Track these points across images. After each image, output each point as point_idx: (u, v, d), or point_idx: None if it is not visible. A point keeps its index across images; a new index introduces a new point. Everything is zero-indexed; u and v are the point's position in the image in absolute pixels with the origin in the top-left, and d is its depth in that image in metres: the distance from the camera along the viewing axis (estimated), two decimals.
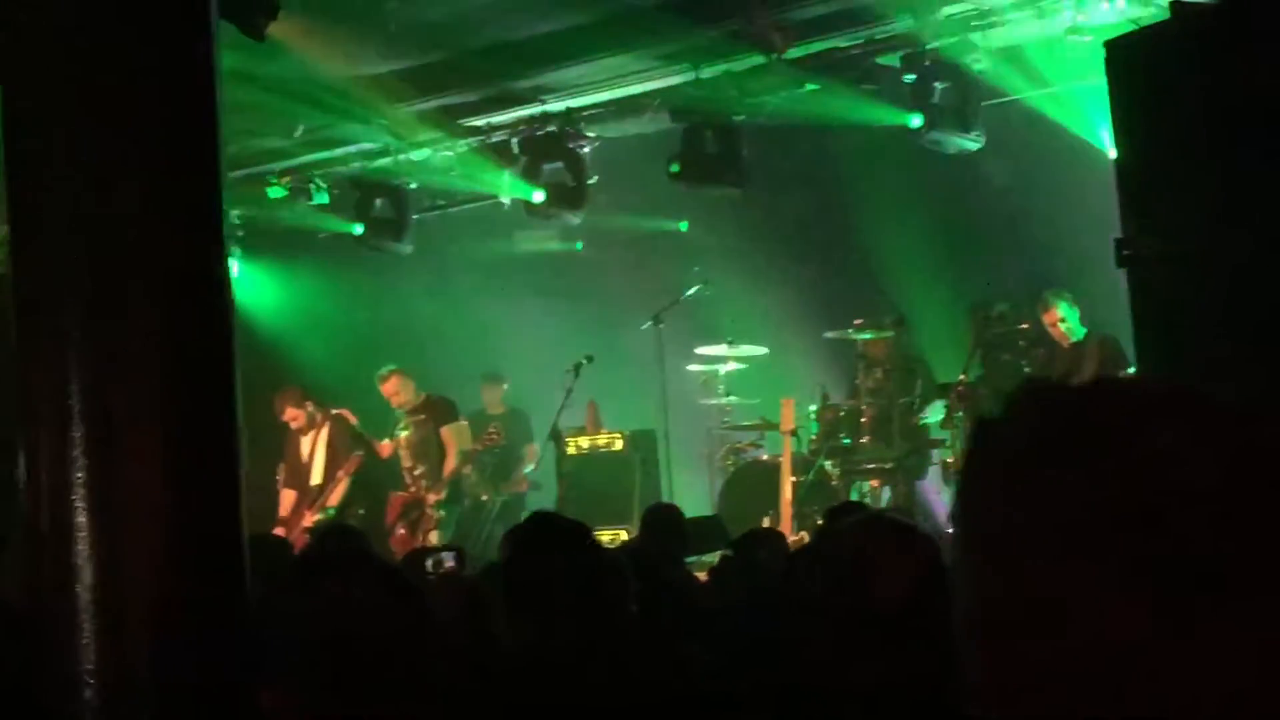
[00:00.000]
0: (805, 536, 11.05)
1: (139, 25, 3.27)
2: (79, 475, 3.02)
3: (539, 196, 12.97)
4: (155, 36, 3.31)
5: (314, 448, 12.88)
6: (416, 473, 12.88)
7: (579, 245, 14.75)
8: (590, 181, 13.06)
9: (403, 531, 12.58)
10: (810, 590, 3.17)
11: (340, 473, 12.71)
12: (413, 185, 13.78)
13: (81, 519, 3.01)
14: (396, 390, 13.23)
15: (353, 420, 13.13)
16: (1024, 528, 1.13)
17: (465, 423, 13.39)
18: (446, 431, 13.10)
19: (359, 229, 13.83)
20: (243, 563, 3.23)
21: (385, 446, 13.25)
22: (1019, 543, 1.13)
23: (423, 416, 13.08)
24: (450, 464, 12.98)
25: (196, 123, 3.28)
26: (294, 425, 12.95)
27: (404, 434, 13.06)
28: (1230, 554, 1.07)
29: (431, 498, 12.75)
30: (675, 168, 12.15)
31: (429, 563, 7.79)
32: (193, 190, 3.28)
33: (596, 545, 4.13)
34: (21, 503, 3.12)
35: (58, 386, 3.07)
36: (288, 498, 12.88)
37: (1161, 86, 7.31)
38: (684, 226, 14.26)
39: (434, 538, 12.18)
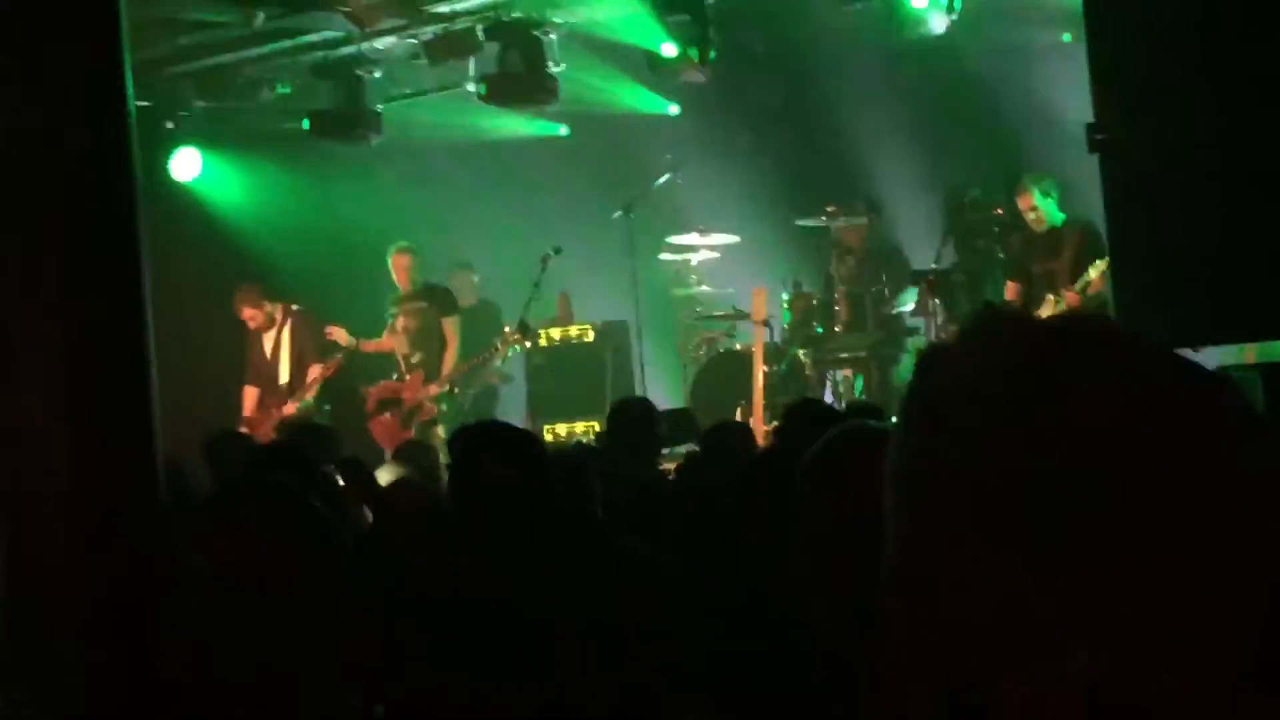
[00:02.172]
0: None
1: None
2: None
3: (486, 87, 12.71)
4: None
5: (277, 345, 12.69)
6: (414, 360, 12.60)
7: (558, 129, 14.52)
8: (556, 70, 12.82)
9: (389, 419, 12.38)
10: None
11: (317, 370, 12.49)
12: (377, 74, 13.52)
13: None
14: (408, 267, 12.86)
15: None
16: (936, 475, 1.06)
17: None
18: (449, 323, 12.81)
19: (307, 123, 13.53)
20: (154, 481, 3.11)
21: (384, 342, 12.99)
22: (931, 490, 1.07)
23: (424, 304, 12.78)
24: (451, 357, 12.72)
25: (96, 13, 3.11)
26: (252, 325, 12.74)
27: (401, 319, 12.79)
28: (1121, 524, 1.00)
29: (433, 389, 12.50)
30: (683, 50, 11.84)
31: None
32: (94, 87, 3.11)
33: (543, 453, 4.00)
34: None
35: None
36: (250, 395, 12.71)
37: None
38: (674, 111, 13.98)
39: (440, 432, 11.97)
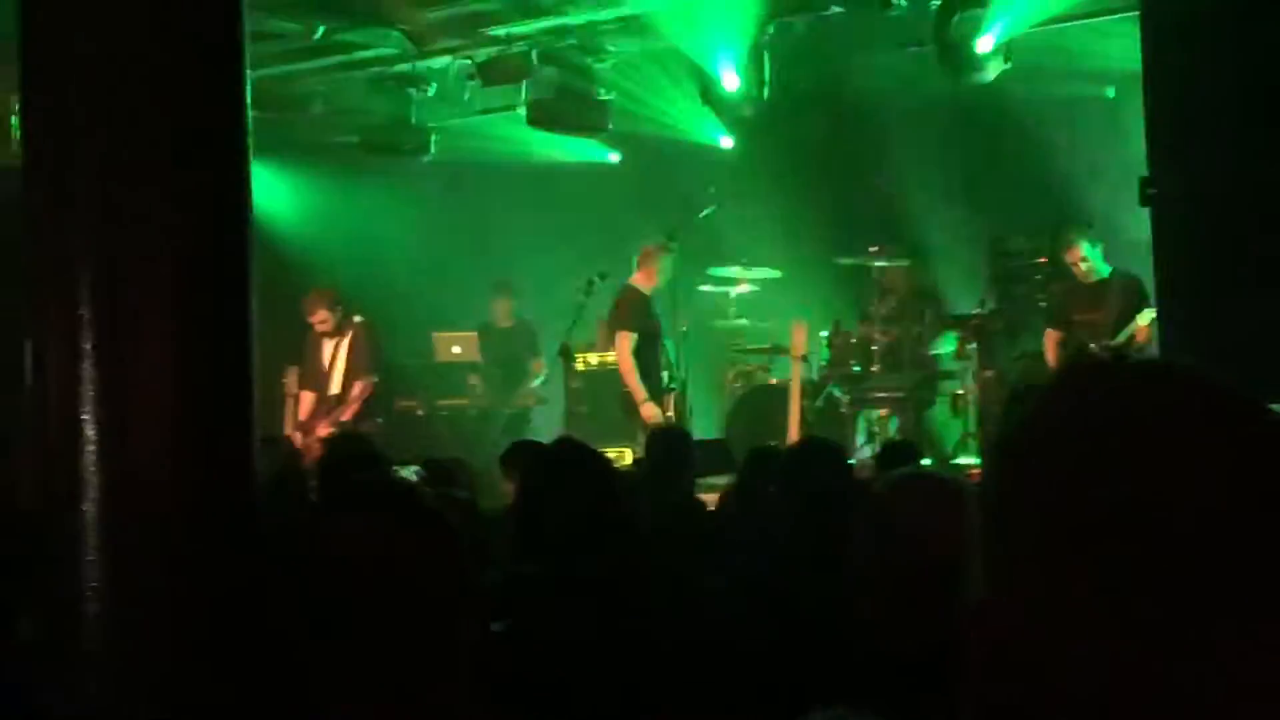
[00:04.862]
0: None
1: None
2: (89, 383, 2.95)
3: (532, 112, 12.82)
4: None
5: (335, 354, 12.47)
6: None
7: (606, 154, 14.61)
8: (606, 97, 12.94)
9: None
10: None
11: (355, 391, 12.38)
12: (429, 93, 13.63)
13: (90, 430, 2.95)
14: (669, 269, 11.84)
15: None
16: (1018, 511, 1.09)
17: None
18: None
19: (358, 138, 13.65)
20: (252, 478, 3.18)
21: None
22: (1012, 526, 1.09)
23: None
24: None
25: (217, 18, 3.18)
26: (321, 328, 12.42)
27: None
28: (1209, 584, 1.01)
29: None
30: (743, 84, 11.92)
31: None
32: (213, 85, 3.19)
33: (614, 476, 4.06)
34: (29, 409, 3.06)
35: (67, 290, 3.00)
36: (307, 400, 12.46)
37: (1197, 21, 7.24)
38: (726, 143, 14.04)
39: None
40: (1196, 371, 1.11)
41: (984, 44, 11.03)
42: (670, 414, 11.53)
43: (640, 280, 11.81)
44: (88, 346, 2.98)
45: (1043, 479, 1.08)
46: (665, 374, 11.67)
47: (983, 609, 1.10)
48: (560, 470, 3.93)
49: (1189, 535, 1.01)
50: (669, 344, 11.79)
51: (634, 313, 11.64)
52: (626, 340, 11.55)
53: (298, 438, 11.75)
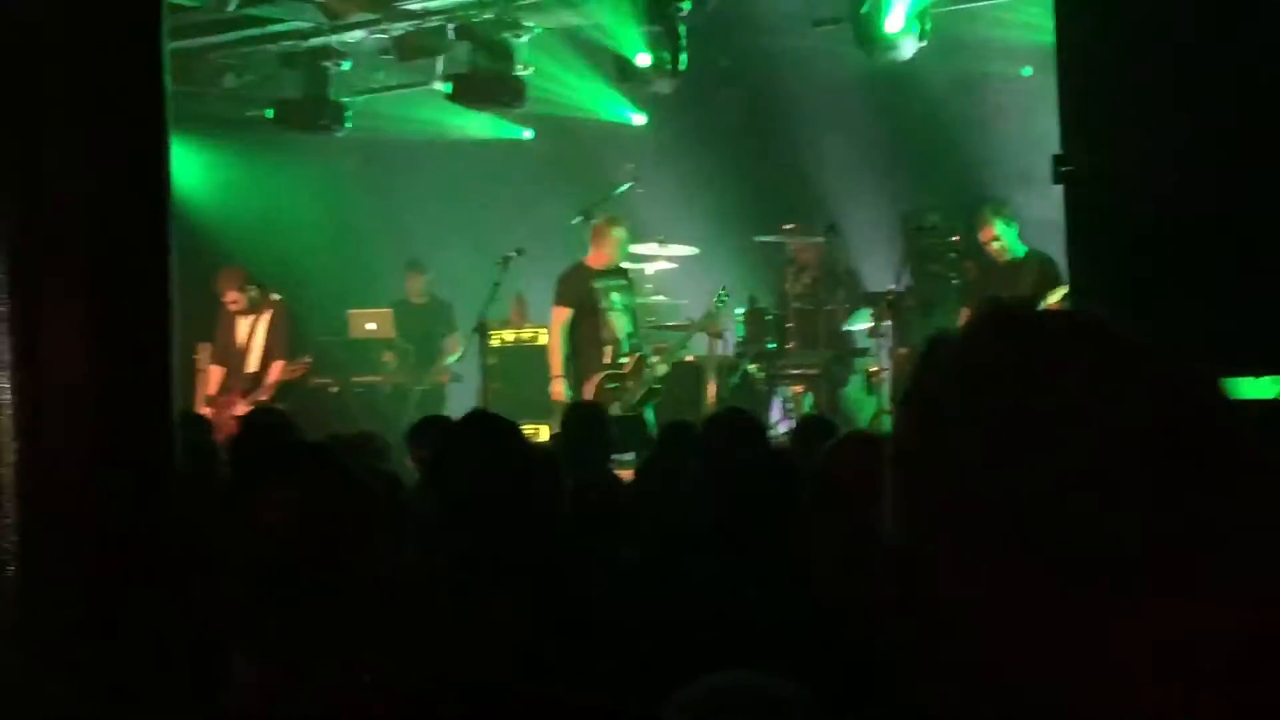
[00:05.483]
0: None
1: None
2: (4, 350, 2.90)
3: (453, 86, 12.75)
4: None
5: (252, 332, 12.29)
6: (635, 339, 11.65)
7: (520, 132, 14.58)
8: (524, 72, 12.88)
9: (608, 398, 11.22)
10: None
11: (278, 370, 12.21)
12: (344, 67, 13.52)
13: (5, 398, 2.90)
14: (625, 241, 11.66)
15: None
16: (923, 461, 1.09)
17: None
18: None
19: (271, 112, 13.54)
20: (173, 447, 3.14)
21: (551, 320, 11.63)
22: (918, 476, 1.10)
23: (628, 281, 11.94)
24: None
25: None
26: (234, 308, 12.28)
27: (616, 295, 11.54)
28: (1115, 532, 1.01)
29: (661, 368, 11.66)
30: (656, 60, 11.88)
31: None
32: (132, 52, 3.13)
33: (528, 450, 4.03)
34: None
35: None
36: (215, 374, 12.32)
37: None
38: (640, 120, 14.03)
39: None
40: (1107, 321, 1.10)
41: (893, 22, 11.06)
42: (606, 390, 11.37)
43: (591, 258, 11.65)
44: (2, 311, 2.93)
45: (958, 427, 1.07)
46: (609, 349, 11.55)
47: (900, 561, 1.09)
48: (471, 444, 3.90)
49: (1107, 483, 1.01)
50: (624, 319, 11.64)
51: (569, 288, 11.49)
52: (557, 315, 11.49)
53: (209, 412, 11.62)
